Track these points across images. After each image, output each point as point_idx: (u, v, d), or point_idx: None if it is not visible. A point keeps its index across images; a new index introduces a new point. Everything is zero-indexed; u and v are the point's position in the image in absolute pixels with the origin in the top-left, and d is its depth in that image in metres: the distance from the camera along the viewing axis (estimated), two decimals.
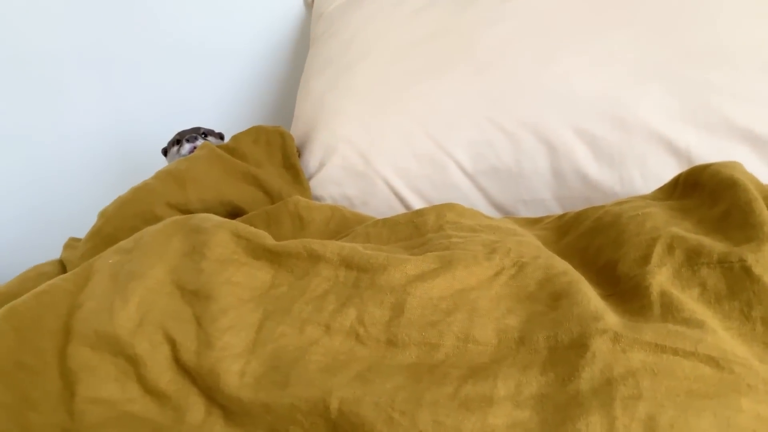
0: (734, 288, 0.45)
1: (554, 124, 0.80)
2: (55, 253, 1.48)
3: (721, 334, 0.42)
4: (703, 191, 0.56)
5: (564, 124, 0.80)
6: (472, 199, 0.85)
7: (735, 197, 0.51)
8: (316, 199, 0.91)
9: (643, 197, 0.63)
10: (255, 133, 0.94)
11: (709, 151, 0.75)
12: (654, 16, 0.82)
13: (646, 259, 0.49)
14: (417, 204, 0.87)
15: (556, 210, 0.83)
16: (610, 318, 0.43)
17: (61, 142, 1.47)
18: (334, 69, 0.96)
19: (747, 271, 0.45)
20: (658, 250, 0.49)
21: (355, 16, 1.02)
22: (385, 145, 0.88)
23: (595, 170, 0.79)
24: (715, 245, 0.48)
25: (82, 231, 1.55)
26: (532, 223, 0.68)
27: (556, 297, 0.47)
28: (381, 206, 0.89)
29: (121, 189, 1.48)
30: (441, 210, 0.63)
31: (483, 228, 0.59)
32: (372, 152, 0.88)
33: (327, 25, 1.05)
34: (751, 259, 0.45)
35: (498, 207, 0.85)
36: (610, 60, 0.80)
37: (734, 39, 0.77)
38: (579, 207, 0.82)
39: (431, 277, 0.50)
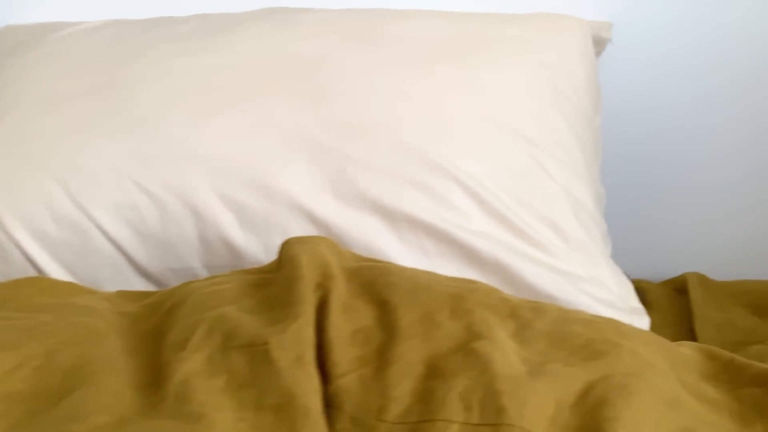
0: (255, 374, 0.43)
1: (200, 189, 0.77)
2: None
3: (229, 428, 0.40)
4: (278, 266, 0.55)
5: (210, 190, 0.77)
6: (118, 267, 0.78)
7: (285, 275, 0.50)
8: None
9: (245, 272, 0.61)
10: None
11: (346, 221, 0.76)
12: (311, 86, 0.83)
13: (184, 344, 0.46)
14: (57, 272, 0.78)
15: None
16: (101, 419, 0.39)
17: None
18: None
19: (266, 354, 0.43)
20: (200, 333, 0.46)
21: (14, 63, 0.92)
22: (23, 207, 0.78)
23: (240, 238, 0.77)
24: (250, 326, 0.46)
25: None
26: (137, 299, 0.62)
27: (71, 390, 0.42)
28: (18, 275, 0.78)
29: None
30: (18, 286, 0.56)
31: (47, 308, 0.53)
32: (7, 215, 0.78)
33: None
34: (274, 341, 0.44)
35: (146, 275, 0.79)
36: (262, 128, 0.80)
37: (370, 115, 0.80)
38: None
39: None
